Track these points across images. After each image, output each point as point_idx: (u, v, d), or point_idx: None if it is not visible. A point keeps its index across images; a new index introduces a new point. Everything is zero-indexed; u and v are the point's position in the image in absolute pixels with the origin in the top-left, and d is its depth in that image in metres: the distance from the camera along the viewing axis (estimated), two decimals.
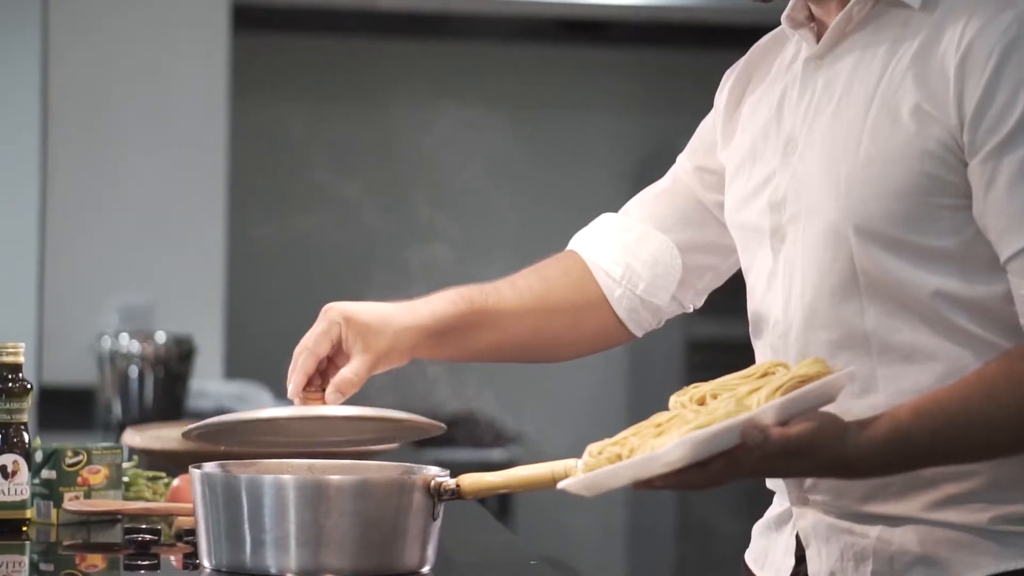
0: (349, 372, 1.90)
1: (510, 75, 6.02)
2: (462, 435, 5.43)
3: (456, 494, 1.80)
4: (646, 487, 1.60)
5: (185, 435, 1.90)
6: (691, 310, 2.08)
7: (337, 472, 1.89)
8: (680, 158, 2.05)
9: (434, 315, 1.96)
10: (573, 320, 2.03)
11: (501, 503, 5.31)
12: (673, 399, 1.67)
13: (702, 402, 1.65)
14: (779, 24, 1.90)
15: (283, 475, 1.79)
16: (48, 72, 4.85)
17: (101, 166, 4.86)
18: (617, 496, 5.62)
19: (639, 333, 2.06)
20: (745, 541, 1.96)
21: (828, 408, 1.64)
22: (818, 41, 1.82)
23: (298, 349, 1.91)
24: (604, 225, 2.07)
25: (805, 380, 1.62)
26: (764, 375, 1.66)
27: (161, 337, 4.34)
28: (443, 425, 1.91)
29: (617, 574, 6.02)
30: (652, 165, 5.54)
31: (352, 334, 1.91)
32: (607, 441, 1.63)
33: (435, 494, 1.80)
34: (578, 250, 2.07)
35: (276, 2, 5.45)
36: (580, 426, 5.95)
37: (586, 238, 2.07)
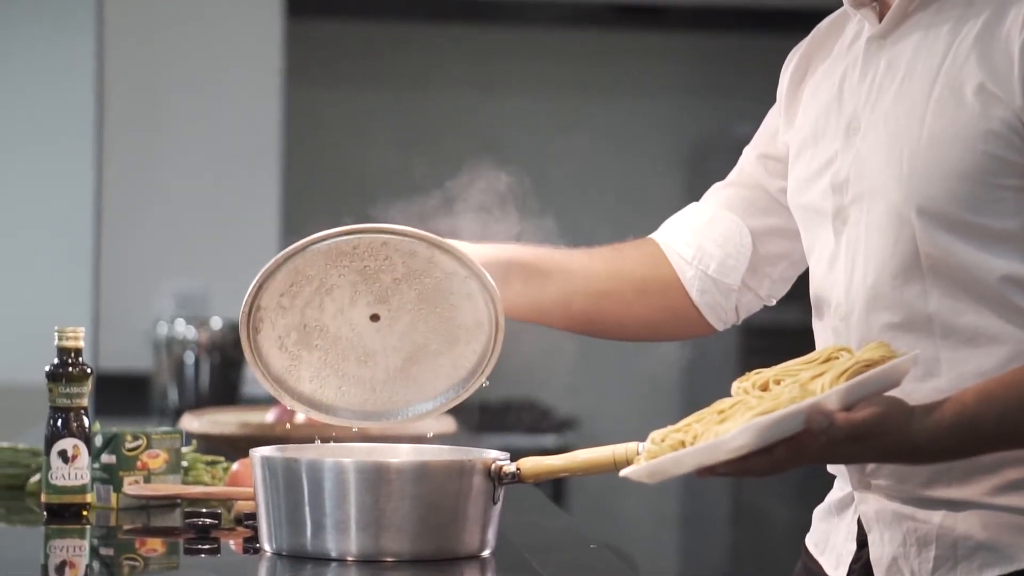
0: None
1: (565, 61, 6.00)
2: (516, 420, 5.42)
3: (516, 478, 1.79)
4: (709, 474, 1.58)
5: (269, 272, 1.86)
6: (772, 303, 2.05)
7: (397, 456, 1.89)
8: (746, 149, 2.04)
9: (496, 249, 1.97)
10: (643, 290, 2.01)
11: (555, 489, 5.30)
12: (736, 385, 1.66)
13: (765, 388, 1.63)
14: (837, 6, 1.88)
15: (344, 458, 1.79)
16: (103, 60, 4.87)
17: (156, 152, 4.88)
18: (672, 482, 5.58)
19: (716, 323, 2.02)
20: (800, 527, 1.95)
21: (892, 392, 1.63)
22: (880, 20, 1.80)
23: None
24: (680, 213, 2.07)
25: (869, 364, 1.61)
26: (827, 360, 1.65)
27: (216, 323, 4.35)
28: (496, 289, 1.89)
29: (671, 560, 6.01)
30: (707, 150, 5.54)
31: None
32: (670, 428, 1.61)
33: (495, 477, 1.79)
34: (654, 236, 2.06)
35: None
36: (635, 412, 5.94)
37: (663, 227, 2.07)
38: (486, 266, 1.92)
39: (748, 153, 2.03)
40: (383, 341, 1.90)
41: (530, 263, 1.99)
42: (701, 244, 2.01)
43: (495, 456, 1.81)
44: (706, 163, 5.34)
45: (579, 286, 2.00)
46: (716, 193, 2.05)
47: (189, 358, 4.31)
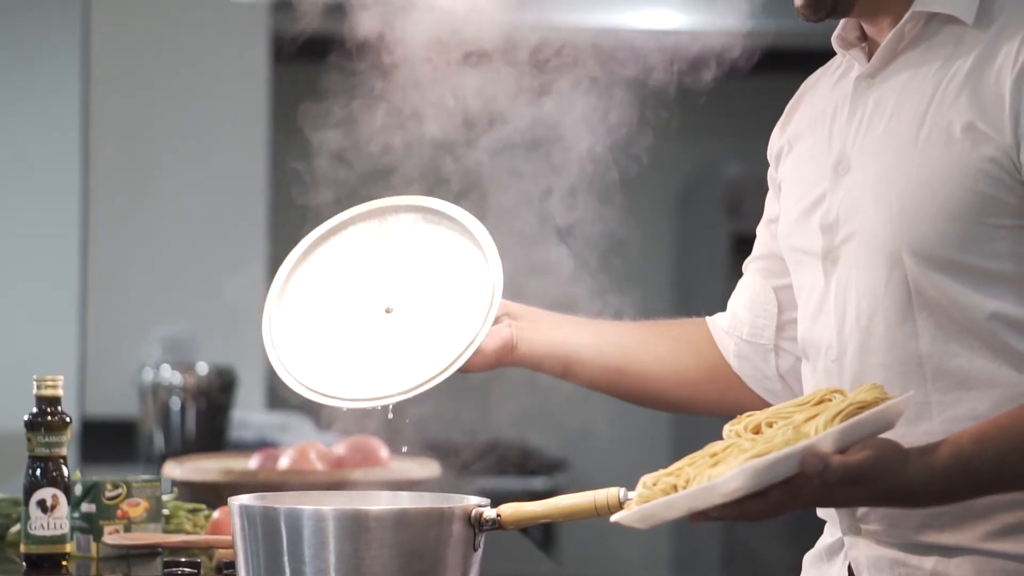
0: None
1: None
2: (504, 463, 5.40)
3: (497, 524, 1.77)
4: (702, 518, 1.56)
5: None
6: None
7: (377, 503, 1.86)
8: (759, 226, 2.02)
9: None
10: (676, 348, 2.00)
11: (545, 531, 5.27)
12: (727, 428, 1.64)
13: (757, 431, 1.61)
14: (824, 45, 1.86)
15: (322, 506, 1.76)
16: (89, 105, 4.87)
17: (143, 197, 4.87)
18: (663, 524, 5.57)
19: (764, 394, 1.97)
20: (792, 569, 1.93)
21: (887, 435, 1.60)
22: (869, 60, 1.78)
23: None
24: None
25: (863, 407, 1.59)
26: (820, 402, 1.63)
27: (203, 368, 4.33)
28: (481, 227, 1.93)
29: None
30: (695, 189, 5.52)
31: None
32: (661, 472, 1.59)
33: (476, 524, 1.77)
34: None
35: (316, 32, 5.44)
36: (626, 454, 5.91)
37: None
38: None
39: (760, 227, 2.02)
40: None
41: (559, 314, 2.00)
42: (735, 313, 2.00)
43: (475, 503, 1.79)
44: (694, 201, 5.35)
45: (610, 336, 1.99)
46: (745, 268, 2.03)
47: (175, 404, 4.28)
